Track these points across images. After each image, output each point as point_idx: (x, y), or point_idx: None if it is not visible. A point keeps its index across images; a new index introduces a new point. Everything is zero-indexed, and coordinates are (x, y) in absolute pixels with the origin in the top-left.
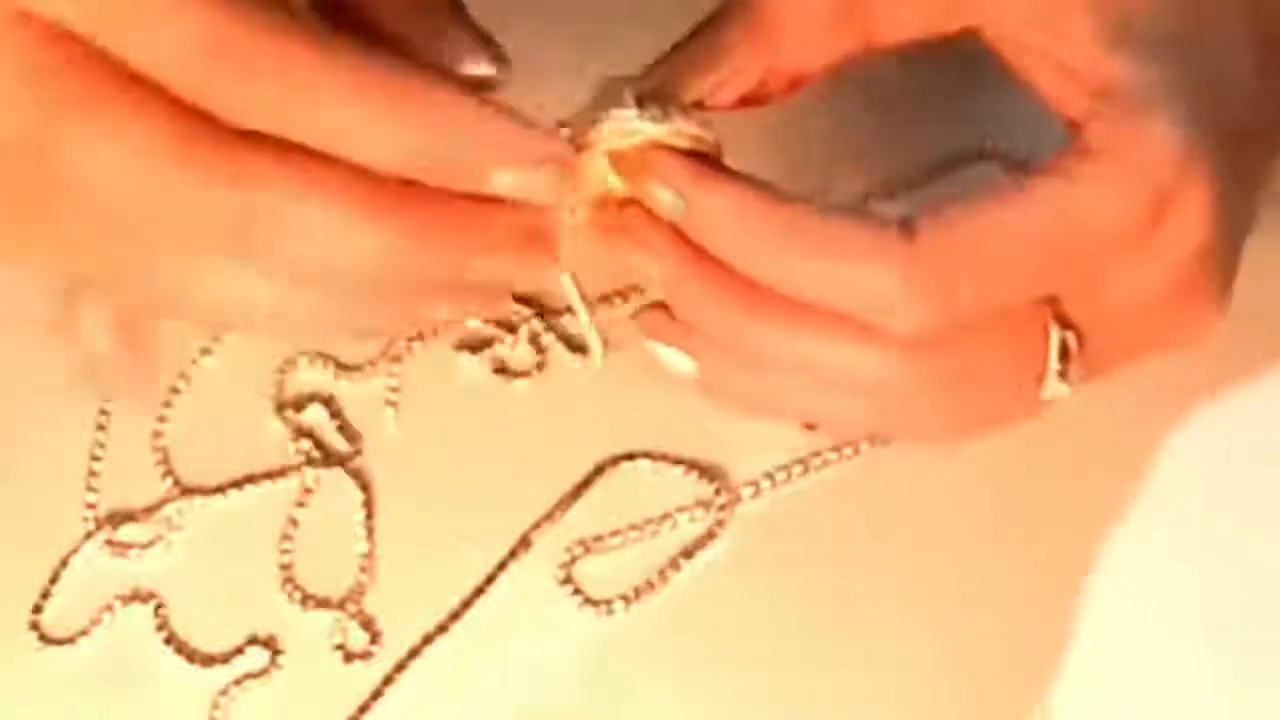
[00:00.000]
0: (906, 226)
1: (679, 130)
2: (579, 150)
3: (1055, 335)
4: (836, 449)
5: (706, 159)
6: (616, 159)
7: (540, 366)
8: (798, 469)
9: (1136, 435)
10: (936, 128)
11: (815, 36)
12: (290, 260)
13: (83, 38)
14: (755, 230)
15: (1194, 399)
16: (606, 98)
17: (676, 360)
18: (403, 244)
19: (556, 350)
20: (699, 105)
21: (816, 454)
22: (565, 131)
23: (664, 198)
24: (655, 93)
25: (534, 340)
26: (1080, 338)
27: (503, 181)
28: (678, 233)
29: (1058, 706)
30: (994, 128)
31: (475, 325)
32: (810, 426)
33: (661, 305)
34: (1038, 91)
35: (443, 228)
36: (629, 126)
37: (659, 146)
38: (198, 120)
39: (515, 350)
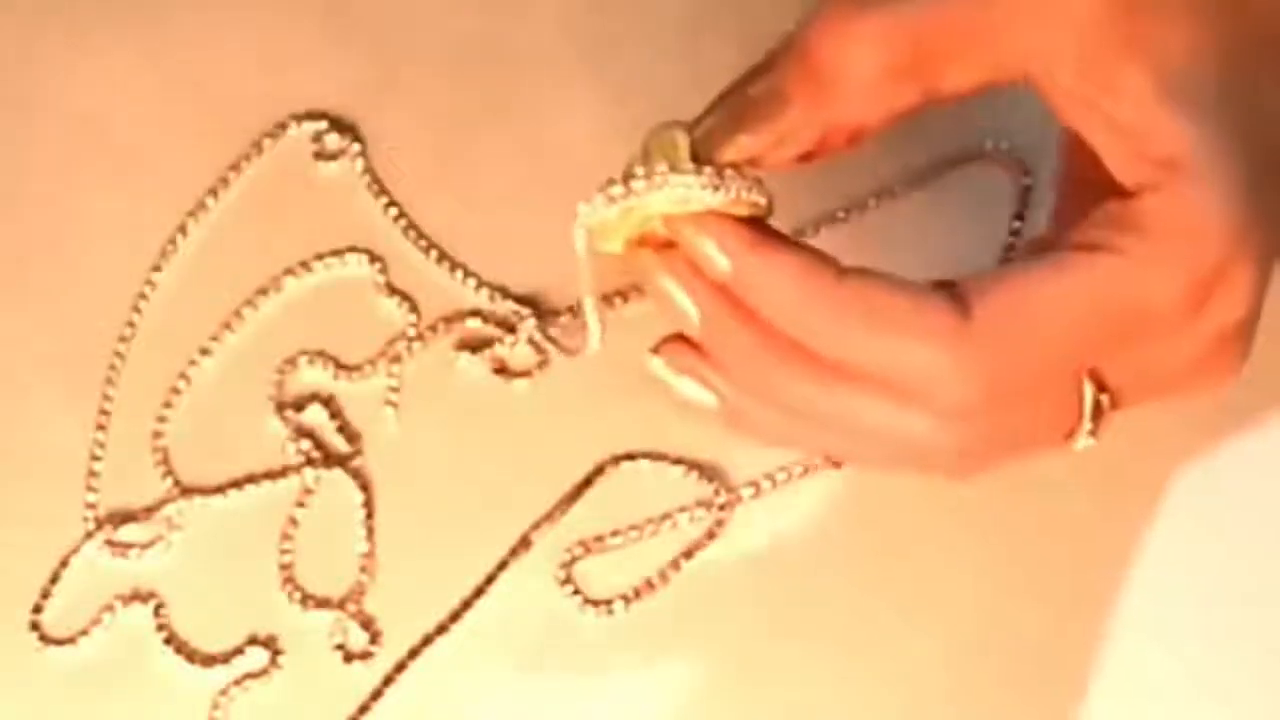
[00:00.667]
0: (959, 303)
1: (738, 199)
2: (631, 209)
3: (1090, 397)
4: None
5: (758, 222)
6: (666, 216)
7: (540, 366)
8: (798, 469)
9: (1140, 439)
10: (936, 128)
11: (877, 90)
12: None
13: None
14: (813, 304)
15: (1207, 414)
16: (658, 146)
17: (696, 393)
18: None
19: (556, 350)
20: (753, 162)
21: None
22: (617, 188)
23: (718, 261)
24: (707, 141)
25: (534, 340)
26: (1114, 398)
27: None
28: (708, 284)
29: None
30: (994, 128)
31: (475, 325)
32: (836, 464)
33: (683, 338)
34: (1091, 148)
35: None
36: (689, 195)
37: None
38: None
39: (515, 350)
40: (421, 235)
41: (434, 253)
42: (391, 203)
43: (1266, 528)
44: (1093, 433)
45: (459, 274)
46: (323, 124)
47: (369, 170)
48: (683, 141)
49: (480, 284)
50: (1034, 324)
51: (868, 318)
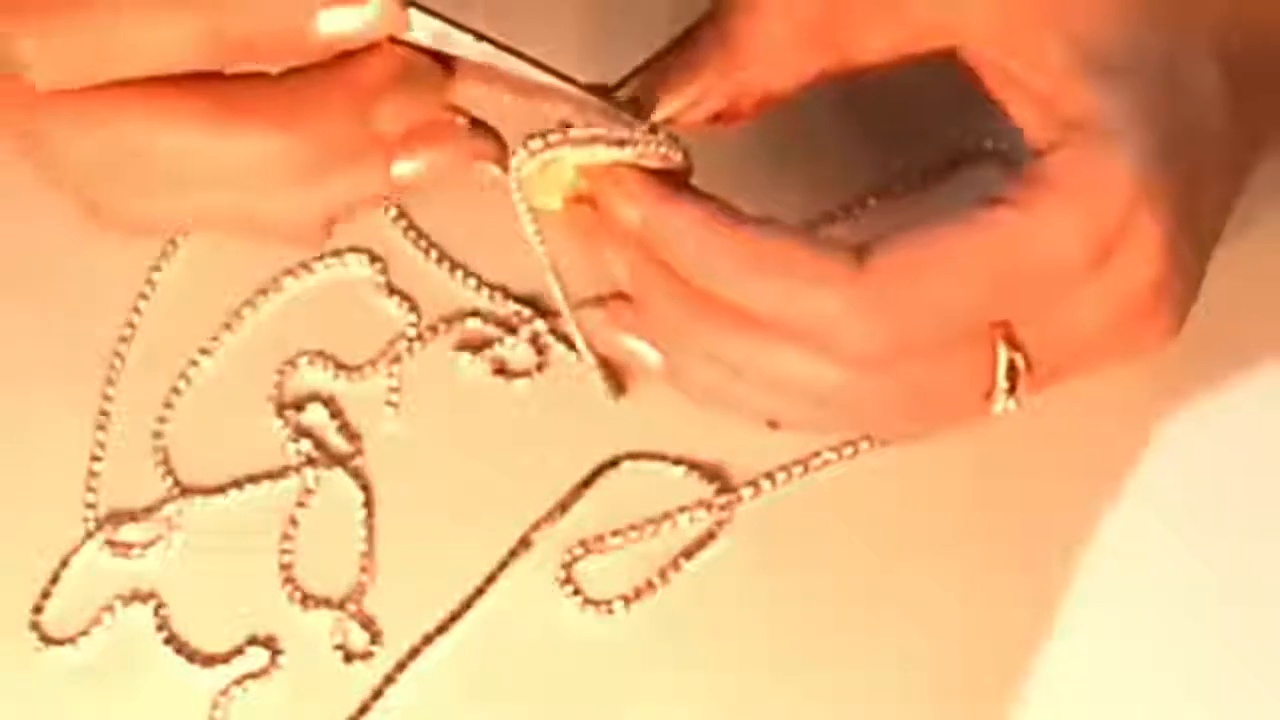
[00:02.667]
0: (859, 251)
1: (645, 153)
2: (550, 163)
3: (1003, 356)
4: (836, 449)
5: (673, 176)
6: (585, 170)
7: (540, 367)
8: (798, 469)
9: (1130, 436)
10: (936, 128)
11: (785, 57)
12: None
13: None
14: (712, 250)
15: (1182, 400)
16: (581, 108)
17: (639, 349)
18: None
19: (557, 350)
20: (669, 122)
21: (816, 454)
22: (536, 142)
23: (626, 214)
24: (628, 106)
25: (534, 340)
26: (1028, 359)
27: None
28: (629, 238)
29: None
30: (994, 128)
31: (475, 325)
32: (773, 424)
33: (626, 296)
34: (1008, 114)
35: None
36: (597, 149)
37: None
38: None
39: (515, 350)
40: (421, 235)
41: (434, 253)
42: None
43: (1256, 523)
44: (1010, 393)
45: (459, 274)
46: None
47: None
48: (597, 111)
49: (480, 284)
50: (933, 273)
51: (763, 263)
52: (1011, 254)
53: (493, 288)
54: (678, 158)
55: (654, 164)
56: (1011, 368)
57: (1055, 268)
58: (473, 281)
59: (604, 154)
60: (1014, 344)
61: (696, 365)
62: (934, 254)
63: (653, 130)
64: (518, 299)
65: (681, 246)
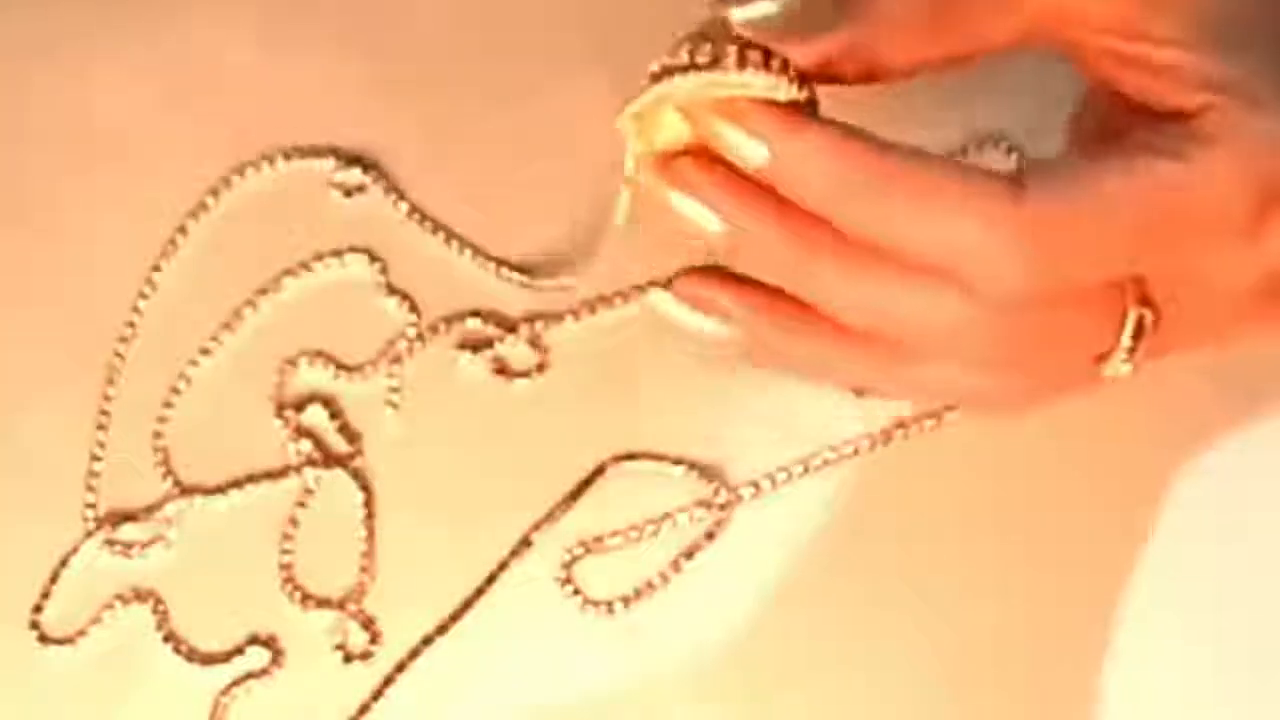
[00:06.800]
0: (1015, 185)
1: (776, 82)
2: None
3: (1133, 313)
4: (836, 449)
5: (799, 107)
6: (691, 112)
7: (540, 367)
8: (798, 469)
9: (1151, 449)
10: (937, 122)
11: (901, 28)
12: None
13: None
14: (855, 180)
15: (1217, 419)
16: (709, 34)
17: (713, 326)
18: None
19: (557, 350)
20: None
21: (816, 454)
22: (657, 66)
23: (752, 149)
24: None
25: (534, 340)
26: (1156, 318)
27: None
28: (740, 183)
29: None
30: (994, 122)
31: (475, 325)
32: (859, 392)
33: (701, 271)
34: (1126, 92)
35: None
36: (726, 76)
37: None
38: None
39: (515, 350)
40: (426, 217)
41: (440, 234)
42: (391, 188)
43: (1274, 528)
44: (1130, 355)
45: (454, 245)
46: (330, 161)
47: (381, 180)
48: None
49: (476, 253)
50: (1092, 218)
51: (914, 195)
52: (1173, 205)
53: (488, 257)
54: (804, 97)
55: (782, 96)
56: (1139, 326)
57: (1214, 223)
58: (468, 253)
59: (735, 80)
60: (1146, 301)
61: (783, 330)
62: (1095, 198)
63: (785, 63)
64: (514, 267)
65: (819, 177)
